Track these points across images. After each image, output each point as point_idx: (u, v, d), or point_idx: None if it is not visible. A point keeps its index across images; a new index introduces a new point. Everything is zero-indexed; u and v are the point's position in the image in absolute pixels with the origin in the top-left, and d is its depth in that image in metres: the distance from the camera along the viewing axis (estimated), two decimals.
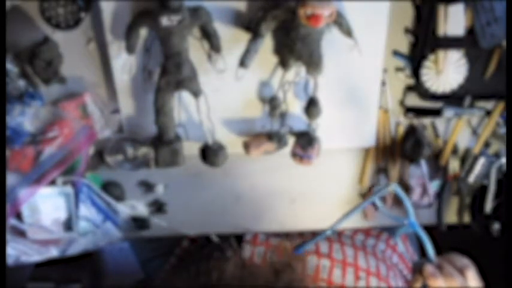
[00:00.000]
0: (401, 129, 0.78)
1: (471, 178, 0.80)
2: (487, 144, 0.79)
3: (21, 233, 0.74)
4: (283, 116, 0.72)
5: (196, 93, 0.68)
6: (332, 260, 0.80)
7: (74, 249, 0.77)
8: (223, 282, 0.58)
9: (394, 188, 0.67)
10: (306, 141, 0.71)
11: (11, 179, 0.69)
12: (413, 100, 0.75)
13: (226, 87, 0.71)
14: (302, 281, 0.61)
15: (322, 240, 0.84)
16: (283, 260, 0.64)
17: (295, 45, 0.65)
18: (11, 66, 0.69)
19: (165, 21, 0.62)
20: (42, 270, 1.23)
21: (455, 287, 0.63)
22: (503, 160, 0.78)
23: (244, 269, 0.61)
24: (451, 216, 0.86)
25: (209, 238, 0.89)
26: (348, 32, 0.66)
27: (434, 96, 0.73)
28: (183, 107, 0.72)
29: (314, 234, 0.86)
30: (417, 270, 0.67)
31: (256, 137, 0.74)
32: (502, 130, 0.77)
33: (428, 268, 0.65)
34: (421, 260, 0.68)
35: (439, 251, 0.74)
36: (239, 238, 0.87)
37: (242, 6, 0.67)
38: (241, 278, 0.59)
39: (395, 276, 0.85)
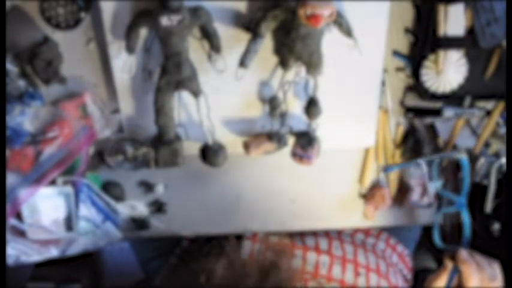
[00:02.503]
0: (401, 129, 0.78)
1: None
2: (487, 144, 0.79)
3: (21, 233, 0.74)
4: (283, 116, 0.72)
5: (196, 93, 0.68)
6: (332, 256, 0.80)
7: (74, 249, 0.77)
8: (212, 284, 0.58)
9: (462, 156, 0.66)
10: (306, 141, 0.71)
11: (11, 179, 0.69)
12: (413, 100, 0.75)
13: (226, 87, 0.71)
14: (290, 280, 0.61)
15: (322, 237, 0.84)
16: (270, 259, 0.64)
17: (295, 45, 0.65)
18: (11, 66, 0.69)
19: (165, 21, 0.62)
20: (42, 270, 1.23)
21: (487, 275, 0.65)
22: (503, 160, 0.78)
23: (232, 269, 0.60)
24: (451, 216, 0.85)
25: (209, 237, 0.89)
26: (348, 32, 0.66)
27: (434, 96, 0.73)
28: (183, 107, 0.72)
29: (314, 234, 0.86)
30: (448, 255, 0.69)
31: (256, 137, 0.74)
32: (502, 130, 0.77)
33: (463, 253, 0.67)
34: (452, 246, 0.70)
35: (440, 251, 0.74)
36: (239, 237, 0.87)
37: (242, 6, 0.66)
38: (229, 279, 0.58)
39: (395, 274, 0.85)
